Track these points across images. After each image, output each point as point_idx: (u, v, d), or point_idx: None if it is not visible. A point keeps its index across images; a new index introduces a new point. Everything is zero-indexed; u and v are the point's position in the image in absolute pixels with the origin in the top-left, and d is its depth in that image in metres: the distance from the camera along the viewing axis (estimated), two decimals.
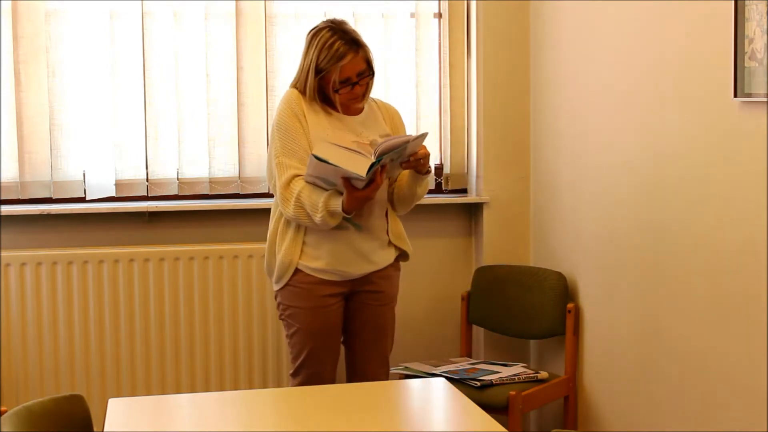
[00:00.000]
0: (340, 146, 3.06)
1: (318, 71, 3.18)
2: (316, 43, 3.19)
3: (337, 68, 3.16)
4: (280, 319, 3.37)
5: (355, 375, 3.43)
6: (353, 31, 3.24)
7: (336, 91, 3.19)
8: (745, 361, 2.82)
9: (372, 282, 3.33)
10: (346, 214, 3.08)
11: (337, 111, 3.26)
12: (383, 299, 3.38)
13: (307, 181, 3.13)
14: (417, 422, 2.57)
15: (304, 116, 3.20)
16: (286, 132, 3.18)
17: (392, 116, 3.41)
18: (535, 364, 4.14)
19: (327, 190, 3.10)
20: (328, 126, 3.23)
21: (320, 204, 3.08)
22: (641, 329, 3.37)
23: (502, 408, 3.48)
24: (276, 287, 3.32)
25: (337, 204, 3.07)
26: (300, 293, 3.26)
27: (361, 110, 3.30)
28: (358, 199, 3.06)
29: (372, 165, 2.99)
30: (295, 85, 3.27)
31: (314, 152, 3.04)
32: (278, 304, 3.35)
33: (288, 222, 3.24)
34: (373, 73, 3.25)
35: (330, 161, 3.00)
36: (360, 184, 3.04)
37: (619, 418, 3.56)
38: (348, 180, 3.03)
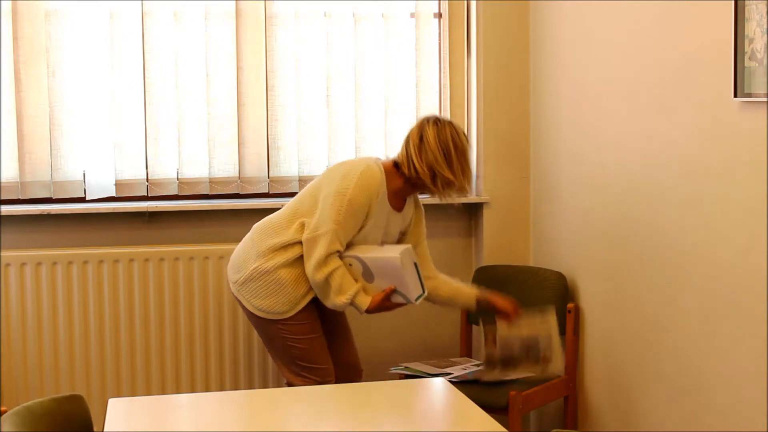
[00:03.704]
0: (414, 262, 3.27)
1: (462, 146, 3.30)
2: (453, 126, 3.32)
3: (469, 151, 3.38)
4: (279, 327, 3.36)
5: (341, 368, 3.50)
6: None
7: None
8: (745, 361, 2.82)
9: None
10: (366, 313, 3.29)
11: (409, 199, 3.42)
12: None
13: (346, 257, 3.26)
14: (417, 422, 2.57)
15: (375, 204, 3.27)
16: (353, 212, 3.23)
17: (419, 216, 3.52)
18: None
19: (356, 278, 3.28)
20: (384, 216, 3.34)
21: (349, 294, 3.24)
22: (641, 329, 3.37)
23: (502, 408, 3.48)
24: (285, 316, 3.34)
25: (364, 303, 3.27)
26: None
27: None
28: (384, 309, 3.31)
29: (420, 296, 3.29)
30: (414, 164, 3.29)
31: (401, 256, 3.20)
32: (280, 324, 3.36)
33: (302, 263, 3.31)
34: None
35: (405, 272, 3.21)
36: (396, 299, 3.28)
37: (619, 418, 3.56)
38: (392, 290, 3.25)
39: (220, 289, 3.93)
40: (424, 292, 3.30)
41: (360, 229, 3.28)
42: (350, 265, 3.27)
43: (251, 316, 3.40)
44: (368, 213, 3.26)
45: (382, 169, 3.31)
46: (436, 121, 3.32)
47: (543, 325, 3.48)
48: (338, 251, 3.24)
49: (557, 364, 3.49)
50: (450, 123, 3.34)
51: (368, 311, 3.28)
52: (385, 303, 3.28)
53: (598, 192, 3.63)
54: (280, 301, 3.31)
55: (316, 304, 3.41)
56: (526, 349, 3.48)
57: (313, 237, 3.23)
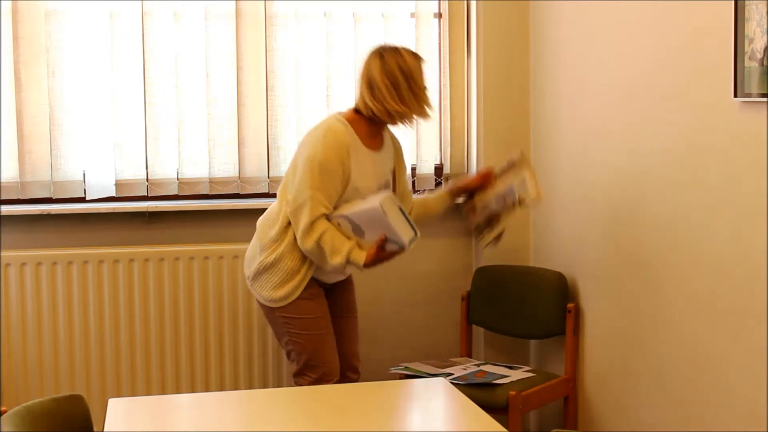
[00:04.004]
0: (398, 206, 3.21)
1: (410, 71, 3.26)
2: (398, 52, 3.28)
3: (422, 69, 3.31)
4: (283, 317, 3.39)
5: (341, 358, 3.51)
6: None
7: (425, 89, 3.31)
8: (745, 361, 2.82)
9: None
10: (365, 268, 3.23)
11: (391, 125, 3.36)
12: (351, 286, 3.60)
13: (334, 218, 3.24)
14: (417, 422, 2.57)
15: (348, 158, 3.25)
16: (328, 173, 3.22)
17: (398, 149, 3.53)
18: (535, 364, 4.14)
19: (348, 236, 3.24)
20: (368, 162, 3.32)
21: (344, 251, 3.21)
22: (641, 329, 3.37)
23: (502, 408, 3.48)
24: (282, 303, 3.36)
25: (360, 258, 3.21)
26: (306, 287, 3.37)
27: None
28: (381, 260, 3.23)
29: (412, 238, 3.20)
30: (368, 105, 3.28)
31: (381, 203, 3.15)
32: (278, 310, 3.38)
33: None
34: None
35: (389, 218, 3.15)
36: (390, 247, 3.20)
37: (619, 418, 3.56)
38: (384, 240, 3.18)
39: (220, 289, 3.93)
40: (416, 234, 3.22)
41: (347, 185, 3.25)
42: (339, 225, 3.24)
43: (262, 307, 3.44)
44: (346, 167, 3.24)
45: (345, 121, 3.30)
46: (381, 54, 3.28)
47: (515, 172, 3.47)
48: (324, 215, 3.22)
49: (533, 196, 3.45)
50: (394, 50, 3.29)
51: (366, 266, 3.23)
52: (381, 254, 3.22)
53: (598, 192, 3.63)
54: (284, 288, 3.33)
55: (329, 301, 3.43)
56: (502, 200, 3.48)
57: (294, 209, 3.25)
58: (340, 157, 3.23)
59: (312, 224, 3.21)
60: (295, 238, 3.29)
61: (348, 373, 3.54)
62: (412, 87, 3.26)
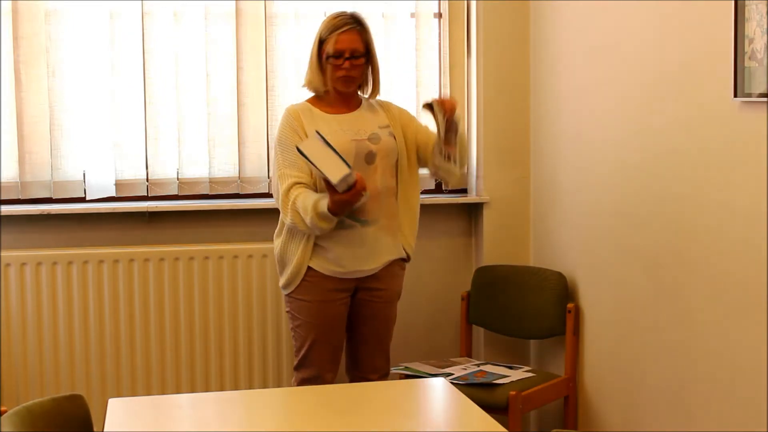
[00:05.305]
0: (327, 145, 3.09)
1: (320, 43, 3.30)
2: (324, 21, 3.34)
3: (333, 38, 3.27)
4: (287, 312, 3.43)
5: (357, 368, 3.48)
6: (359, 15, 3.38)
7: (327, 59, 3.28)
8: (745, 361, 2.82)
9: (378, 279, 3.39)
10: (333, 215, 3.12)
11: (327, 97, 3.34)
12: (388, 296, 3.45)
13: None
14: (417, 422, 2.57)
15: (303, 129, 3.27)
16: (286, 146, 3.27)
17: (400, 112, 3.47)
18: (535, 364, 4.14)
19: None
20: (332, 122, 3.30)
21: (310, 206, 3.14)
22: (641, 329, 3.37)
23: (502, 408, 3.48)
24: (286, 291, 3.38)
25: (324, 206, 3.11)
26: (308, 287, 3.31)
27: (349, 91, 3.36)
28: (339, 203, 3.09)
29: (346, 174, 3.02)
30: (308, 82, 3.35)
31: (298, 145, 3.11)
32: (286, 296, 3.40)
33: (295, 232, 3.29)
34: (369, 58, 3.34)
35: (309, 158, 3.06)
36: (340, 187, 3.06)
37: (619, 418, 3.56)
38: (328, 182, 3.06)
39: (220, 289, 3.93)
40: (350, 168, 3.04)
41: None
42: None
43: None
44: (302, 133, 3.26)
45: (305, 101, 3.38)
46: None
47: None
48: (296, 183, 3.20)
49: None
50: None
51: (332, 212, 3.09)
52: (334, 196, 3.07)
53: (598, 192, 3.63)
54: (285, 275, 3.35)
55: (357, 302, 3.39)
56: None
57: (275, 196, 3.31)
58: (292, 127, 3.28)
59: (286, 195, 3.21)
60: (288, 228, 3.30)
61: (368, 375, 3.49)
62: (321, 62, 3.33)
